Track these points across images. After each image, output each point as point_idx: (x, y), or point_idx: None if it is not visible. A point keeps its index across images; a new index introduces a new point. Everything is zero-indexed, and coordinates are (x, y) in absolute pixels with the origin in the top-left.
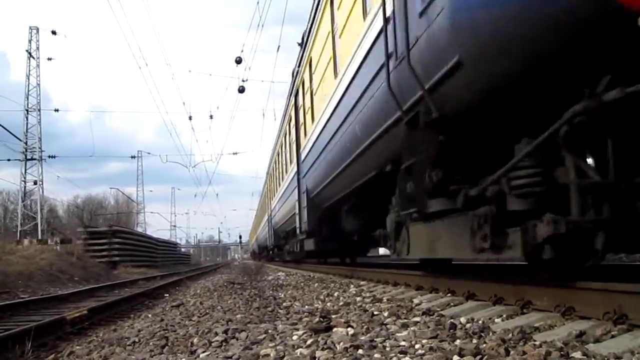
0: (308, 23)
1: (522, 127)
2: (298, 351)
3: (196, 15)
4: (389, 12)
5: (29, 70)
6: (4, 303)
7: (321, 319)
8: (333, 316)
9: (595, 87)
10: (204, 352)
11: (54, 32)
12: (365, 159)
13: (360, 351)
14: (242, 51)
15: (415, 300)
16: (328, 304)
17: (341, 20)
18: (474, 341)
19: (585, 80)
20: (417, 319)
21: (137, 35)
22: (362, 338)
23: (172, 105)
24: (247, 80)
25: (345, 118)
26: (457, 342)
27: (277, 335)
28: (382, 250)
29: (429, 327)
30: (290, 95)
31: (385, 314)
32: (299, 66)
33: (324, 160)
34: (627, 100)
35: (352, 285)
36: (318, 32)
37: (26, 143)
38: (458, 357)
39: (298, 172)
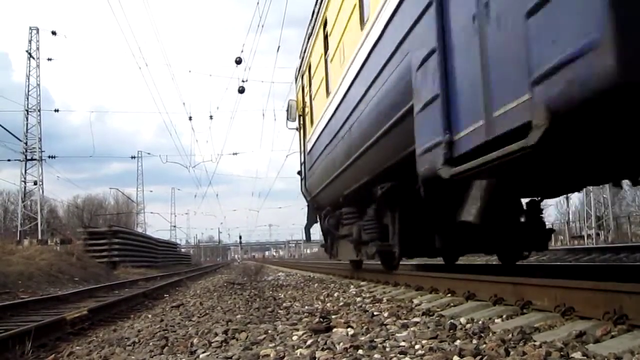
0: None
1: None
2: (298, 351)
3: (196, 15)
4: None
5: (29, 71)
6: (4, 303)
7: (321, 320)
8: (333, 316)
9: None
10: (203, 352)
11: (54, 33)
12: None
13: (360, 351)
14: (242, 52)
15: (415, 301)
16: (328, 304)
17: None
18: (474, 341)
19: None
20: (417, 319)
21: (137, 36)
22: (362, 338)
23: (172, 105)
24: (247, 80)
25: None
26: (457, 342)
27: (277, 335)
28: None
29: (428, 327)
30: None
31: (385, 314)
32: None
33: None
34: None
35: (352, 286)
36: None
37: (26, 143)
38: (458, 358)
39: None
